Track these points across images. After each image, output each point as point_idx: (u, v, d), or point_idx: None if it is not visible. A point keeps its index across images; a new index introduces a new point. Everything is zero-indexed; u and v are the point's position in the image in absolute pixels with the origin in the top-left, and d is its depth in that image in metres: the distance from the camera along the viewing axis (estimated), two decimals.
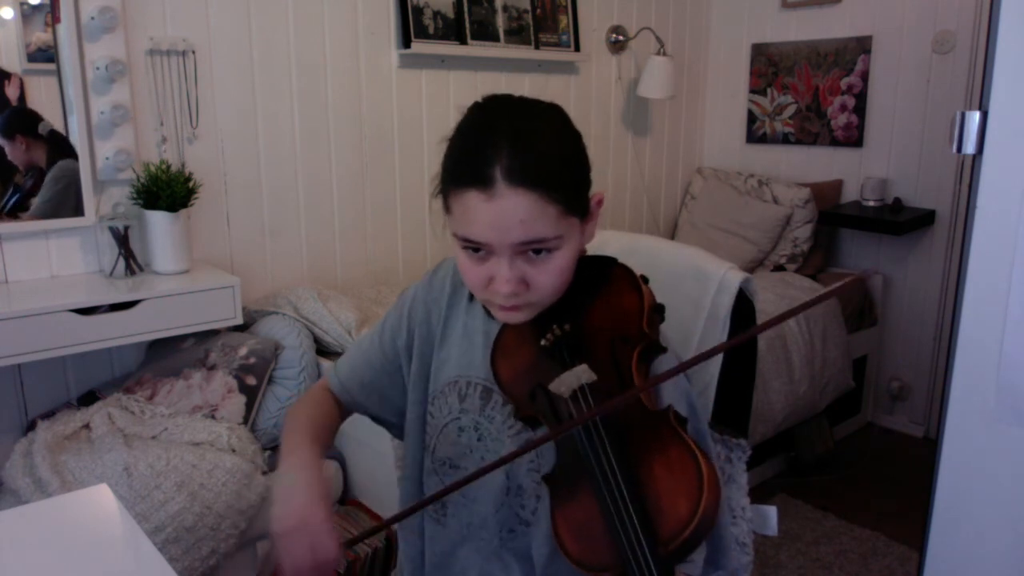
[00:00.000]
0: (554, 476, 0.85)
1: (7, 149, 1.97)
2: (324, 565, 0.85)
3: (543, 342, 0.93)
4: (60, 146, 2.02)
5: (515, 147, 0.83)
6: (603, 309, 0.94)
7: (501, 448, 0.97)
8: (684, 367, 0.79)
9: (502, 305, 0.90)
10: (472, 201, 0.84)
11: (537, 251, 0.87)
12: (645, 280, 0.95)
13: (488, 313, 1.00)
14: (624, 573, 0.75)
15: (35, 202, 2.00)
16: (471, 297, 1.04)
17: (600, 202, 0.94)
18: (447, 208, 0.90)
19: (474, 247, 0.88)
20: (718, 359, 1.13)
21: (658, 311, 0.94)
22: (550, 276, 0.88)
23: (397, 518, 0.93)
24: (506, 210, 0.83)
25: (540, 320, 0.93)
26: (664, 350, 0.93)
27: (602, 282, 0.96)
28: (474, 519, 0.99)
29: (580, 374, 0.88)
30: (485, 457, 0.98)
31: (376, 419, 1.13)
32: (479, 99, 0.92)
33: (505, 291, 0.87)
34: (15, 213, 1.98)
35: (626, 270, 0.96)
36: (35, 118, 2.00)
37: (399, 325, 1.08)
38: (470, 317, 1.03)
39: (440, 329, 1.05)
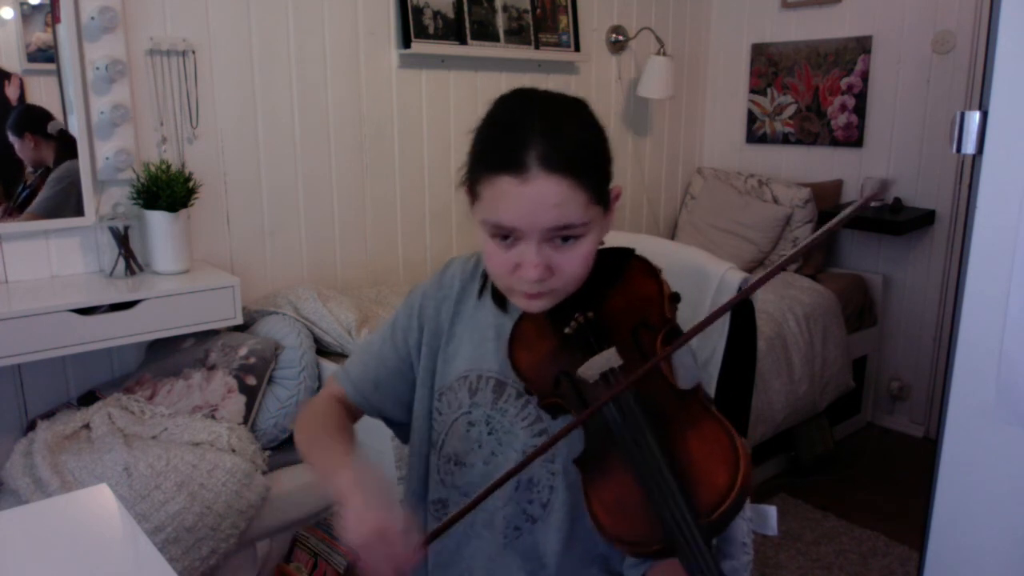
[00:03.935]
0: (585, 458, 0.85)
1: (16, 146, 1.97)
2: (407, 565, 0.84)
3: (567, 330, 0.93)
4: (69, 146, 2.02)
5: (548, 134, 0.85)
6: (623, 297, 0.95)
7: (513, 440, 0.97)
8: (698, 329, 0.82)
9: (526, 292, 0.91)
10: (505, 186, 0.85)
11: (564, 238, 0.88)
12: (660, 271, 0.97)
13: (499, 307, 1.01)
14: (668, 545, 0.76)
15: (36, 201, 2.01)
16: (480, 293, 1.04)
17: (618, 196, 0.96)
18: (475, 195, 0.91)
19: (503, 234, 0.88)
20: (718, 362, 1.14)
21: (675, 300, 0.95)
22: (575, 263, 0.89)
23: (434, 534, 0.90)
24: (539, 195, 0.84)
25: (559, 310, 0.94)
26: None
27: (620, 271, 0.97)
28: (477, 517, 0.99)
29: (609, 358, 0.89)
30: (495, 451, 0.98)
31: (388, 421, 1.12)
32: (505, 92, 0.94)
33: (532, 276, 0.87)
34: (24, 208, 1.98)
35: (643, 260, 0.98)
36: (45, 117, 2.00)
37: (409, 324, 1.08)
38: (480, 312, 1.04)
39: (448, 325, 1.05)
